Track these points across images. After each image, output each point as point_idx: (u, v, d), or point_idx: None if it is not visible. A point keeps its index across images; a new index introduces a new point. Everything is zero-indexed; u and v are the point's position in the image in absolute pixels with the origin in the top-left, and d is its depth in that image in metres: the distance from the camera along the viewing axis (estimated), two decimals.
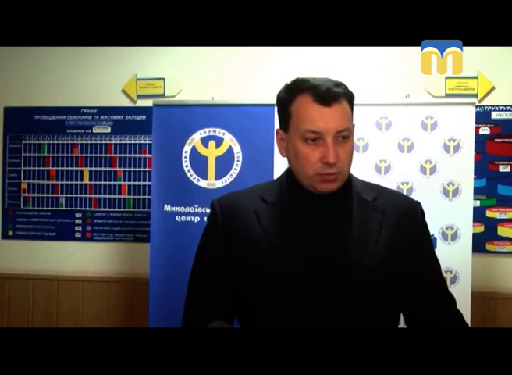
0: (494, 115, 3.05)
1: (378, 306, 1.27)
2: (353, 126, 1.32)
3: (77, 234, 3.36)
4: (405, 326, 1.42)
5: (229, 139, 2.76)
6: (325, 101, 1.23)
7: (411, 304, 1.35)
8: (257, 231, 1.31)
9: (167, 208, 2.76)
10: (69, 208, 3.36)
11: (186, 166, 2.77)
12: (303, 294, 1.25)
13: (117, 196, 3.32)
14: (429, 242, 1.41)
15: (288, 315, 1.26)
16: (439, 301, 1.35)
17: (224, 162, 2.76)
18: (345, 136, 1.25)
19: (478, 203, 3.01)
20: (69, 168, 3.35)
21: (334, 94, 1.24)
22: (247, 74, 3.18)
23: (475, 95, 3.02)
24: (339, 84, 1.28)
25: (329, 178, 1.26)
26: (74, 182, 3.35)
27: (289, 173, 1.36)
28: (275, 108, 1.36)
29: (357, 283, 1.25)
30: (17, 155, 3.40)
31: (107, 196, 3.33)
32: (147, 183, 3.24)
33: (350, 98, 1.29)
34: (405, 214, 1.34)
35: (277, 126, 1.36)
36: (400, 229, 1.31)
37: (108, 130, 3.34)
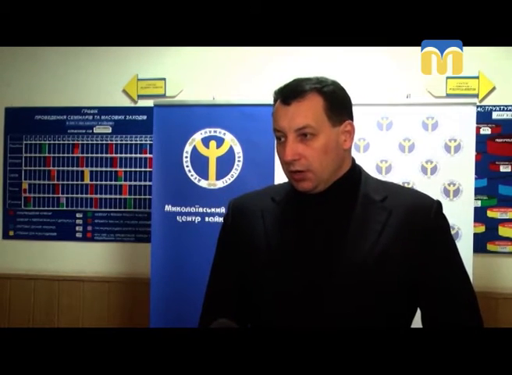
0: (495, 115, 3.05)
1: (373, 306, 1.25)
2: (349, 123, 1.30)
3: (78, 234, 3.37)
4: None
5: (229, 139, 2.76)
6: (285, 100, 1.26)
7: (422, 308, 1.33)
8: (259, 230, 1.32)
9: (168, 208, 2.76)
10: (69, 209, 3.37)
11: (187, 166, 2.77)
12: (295, 293, 1.25)
13: (118, 196, 3.33)
14: (444, 245, 1.30)
15: (281, 315, 1.26)
16: (443, 309, 1.29)
17: (225, 162, 2.76)
18: (308, 133, 1.24)
19: (479, 203, 3.01)
20: (70, 168, 3.36)
21: (296, 92, 1.25)
22: (247, 74, 3.18)
23: (476, 95, 3.02)
24: (318, 81, 1.27)
25: (296, 177, 1.26)
26: (75, 182, 3.35)
27: None
28: None
29: (350, 283, 1.24)
30: (18, 155, 3.41)
31: (108, 196, 3.33)
32: (147, 183, 3.25)
33: (325, 93, 1.26)
34: (414, 214, 1.28)
35: None
36: (408, 229, 1.27)
37: (109, 130, 3.34)
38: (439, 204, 1.31)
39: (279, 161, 1.31)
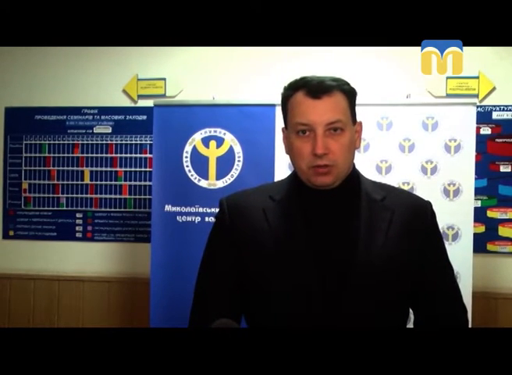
0: (495, 115, 3.05)
1: (384, 305, 1.26)
2: (359, 123, 1.33)
3: (78, 234, 3.37)
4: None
5: (229, 139, 2.76)
6: (315, 94, 1.25)
7: (416, 305, 1.35)
8: (263, 229, 1.31)
9: (168, 208, 2.76)
10: (69, 209, 3.37)
11: (187, 166, 2.77)
12: (307, 292, 1.25)
13: (118, 196, 3.33)
14: (437, 245, 1.36)
15: (291, 314, 1.25)
16: (443, 307, 1.32)
17: (225, 162, 2.76)
18: (337, 128, 1.25)
19: (478, 203, 3.01)
20: (70, 168, 3.36)
21: (325, 87, 1.25)
22: (247, 74, 3.18)
23: (476, 95, 3.02)
24: (336, 80, 1.29)
25: (321, 171, 1.25)
26: (75, 182, 3.35)
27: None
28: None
29: (363, 282, 1.24)
30: (18, 155, 3.41)
31: (108, 196, 3.33)
32: (147, 183, 3.25)
33: (347, 92, 1.29)
34: (414, 214, 1.32)
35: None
36: (409, 229, 1.30)
37: (109, 130, 3.34)
38: (431, 204, 1.36)
39: (295, 155, 1.29)
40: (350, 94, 1.29)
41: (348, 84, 1.31)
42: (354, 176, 1.34)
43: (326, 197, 1.30)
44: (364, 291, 1.25)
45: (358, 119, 1.35)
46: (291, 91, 1.29)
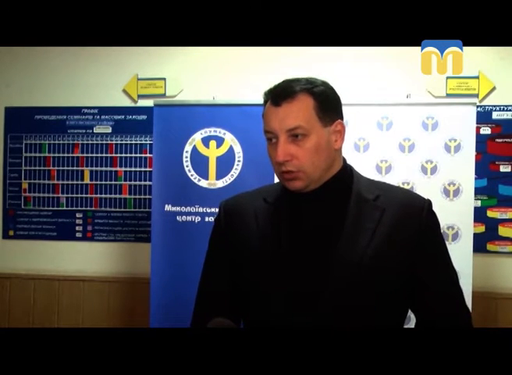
0: (495, 115, 3.05)
1: (371, 305, 1.25)
2: (339, 122, 1.30)
3: (78, 234, 3.37)
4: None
5: (229, 139, 2.76)
6: (276, 101, 1.26)
7: (413, 306, 1.34)
8: (253, 229, 1.33)
9: (168, 208, 2.76)
10: (69, 208, 3.37)
11: (187, 166, 2.77)
12: (291, 292, 1.25)
13: (118, 196, 3.33)
14: (436, 244, 1.32)
15: (276, 314, 1.26)
16: (442, 308, 1.30)
17: (225, 162, 2.76)
18: (299, 133, 1.24)
19: (478, 203, 3.01)
20: (70, 168, 3.36)
21: (286, 93, 1.25)
22: (248, 74, 3.18)
23: (476, 95, 3.02)
24: (308, 82, 1.28)
25: (287, 177, 1.27)
26: (75, 182, 3.36)
27: None
28: None
29: (345, 282, 1.24)
30: (18, 155, 3.41)
31: (108, 196, 3.33)
32: (147, 183, 3.25)
33: (316, 93, 1.26)
34: (407, 213, 1.29)
35: None
36: (400, 228, 1.27)
37: (109, 130, 3.35)
38: (429, 203, 1.32)
39: (271, 162, 1.31)
40: (318, 95, 1.26)
41: (322, 85, 1.29)
42: (344, 175, 1.33)
43: (311, 198, 1.30)
44: (346, 291, 1.24)
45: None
46: (264, 98, 1.31)
